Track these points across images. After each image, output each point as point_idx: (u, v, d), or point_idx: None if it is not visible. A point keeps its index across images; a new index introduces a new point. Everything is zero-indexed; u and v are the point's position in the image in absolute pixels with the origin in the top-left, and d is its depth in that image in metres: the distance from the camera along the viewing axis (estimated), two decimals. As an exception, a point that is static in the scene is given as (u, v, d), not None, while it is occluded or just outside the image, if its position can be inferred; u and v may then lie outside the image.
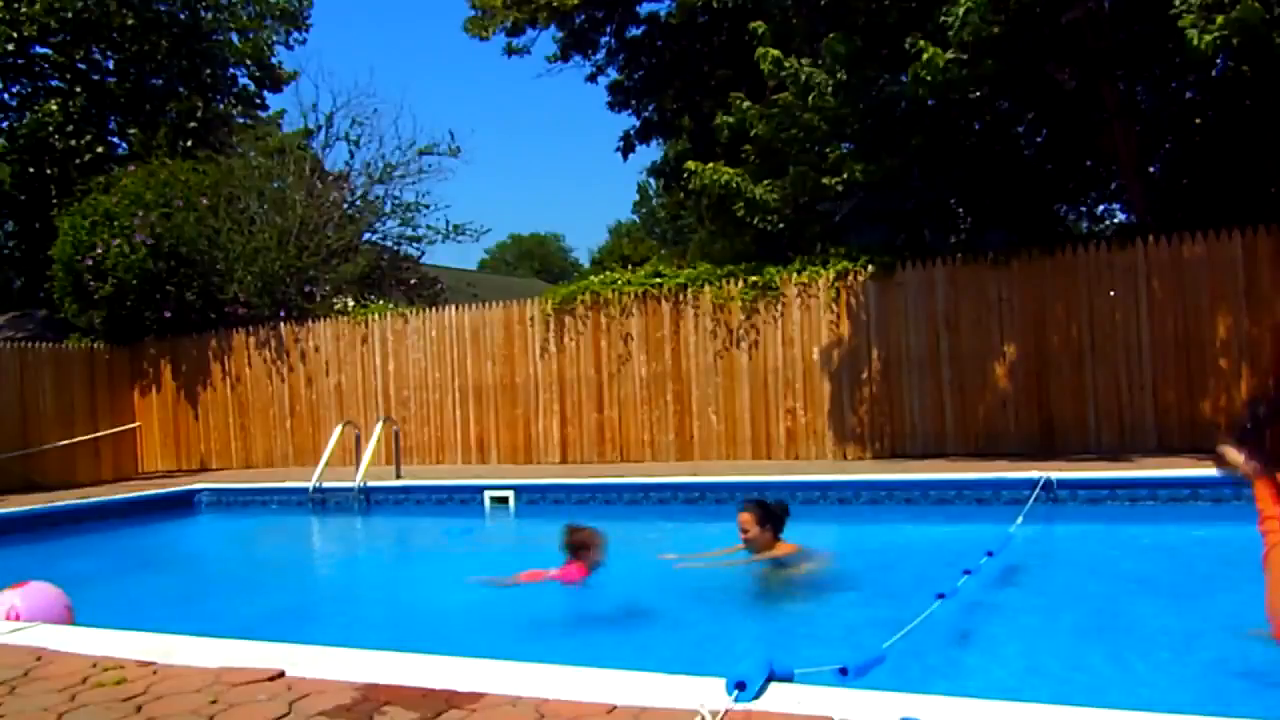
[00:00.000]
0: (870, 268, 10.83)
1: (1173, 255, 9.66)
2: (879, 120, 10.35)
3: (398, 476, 10.72)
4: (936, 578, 4.65)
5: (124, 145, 20.55)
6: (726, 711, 2.53)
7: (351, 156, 18.76)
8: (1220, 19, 7.94)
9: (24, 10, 19.01)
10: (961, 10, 8.89)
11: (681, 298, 11.75)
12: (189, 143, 19.58)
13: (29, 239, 19.79)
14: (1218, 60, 10.24)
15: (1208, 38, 7.98)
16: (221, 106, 21.73)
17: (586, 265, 53.04)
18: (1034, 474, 7.55)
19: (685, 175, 12.63)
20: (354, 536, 9.77)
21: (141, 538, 9.62)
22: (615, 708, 2.65)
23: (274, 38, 22.85)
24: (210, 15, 21.71)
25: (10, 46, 19.21)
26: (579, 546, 5.59)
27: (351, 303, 16.12)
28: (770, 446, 11.27)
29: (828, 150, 10.92)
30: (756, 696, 2.61)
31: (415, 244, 18.47)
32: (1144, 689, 3.67)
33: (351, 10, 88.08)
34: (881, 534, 7.84)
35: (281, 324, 14.36)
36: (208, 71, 21.41)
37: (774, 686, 2.69)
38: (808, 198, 11.71)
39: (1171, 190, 12.07)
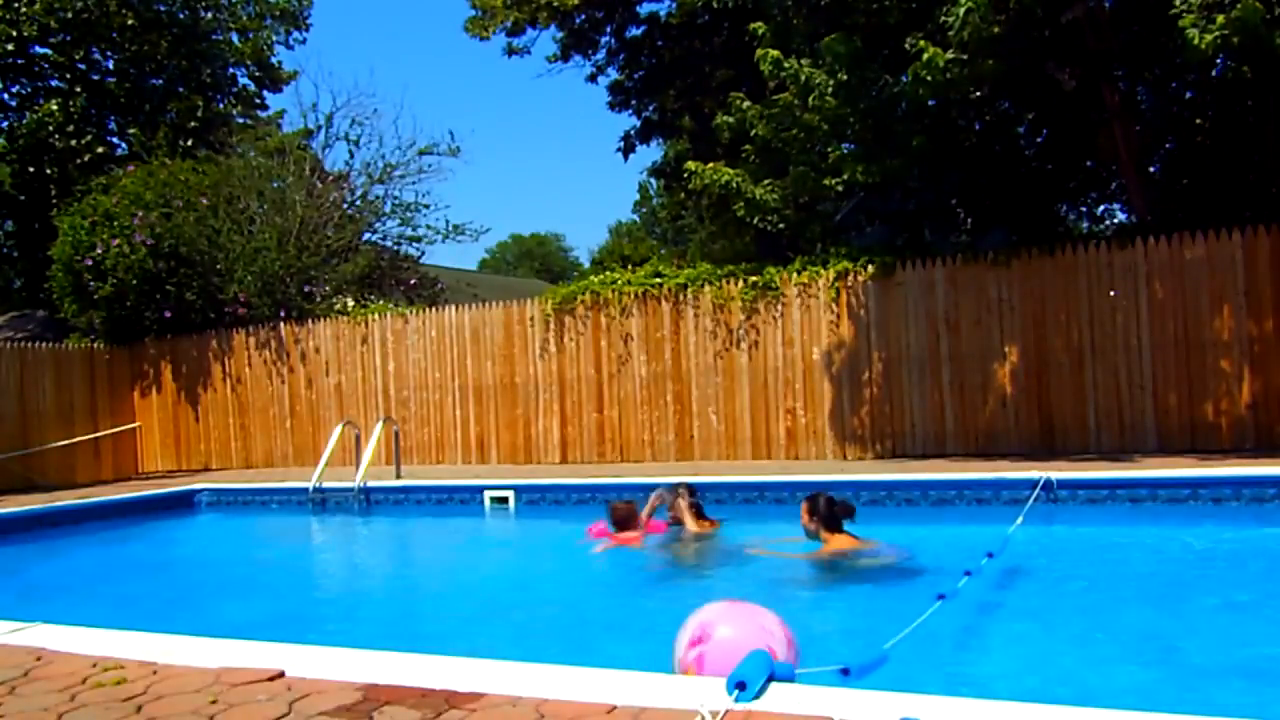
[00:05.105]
0: (870, 268, 10.83)
1: (1173, 255, 9.65)
2: (879, 121, 10.35)
3: (398, 476, 10.72)
4: (937, 578, 4.65)
5: (124, 145, 20.56)
6: (726, 711, 2.53)
7: (351, 156, 18.85)
8: (1220, 19, 7.94)
9: (24, 10, 19.02)
10: (961, 10, 8.89)
11: (681, 298, 11.75)
12: (189, 143, 19.60)
13: (29, 239, 19.79)
14: (1218, 60, 10.24)
15: (1208, 38, 7.99)
16: (221, 106, 21.75)
17: (586, 265, 53.10)
18: (1034, 474, 7.54)
19: (685, 175, 12.63)
20: (354, 536, 9.77)
21: (142, 538, 9.62)
22: (615, 708, 2.65)
23: (274, 38, 22.88)
24: (210, 15, 21.73)
25: (10, 46, 19.22)
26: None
27: (351, 303, 16.12)
28: (770, 446, 11.27)
29: (828, 150, 10.92)
30: (757, 696, 2.61)
31: (415, 244, 18.51)
32: (1143, 688, 3.67)
33: (351, 10, 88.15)
34: (881, 534, 7.82)
35: (281, 324, 14.36)
36: (208, 71, 21.42)
37: (774, 686, 2.68)
38: (808, 198, 11.70)
39: (1171, 190, 12.06)
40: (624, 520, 7.04)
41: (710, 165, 11.98)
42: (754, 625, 3.13)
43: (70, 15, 19.20)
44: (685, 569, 6.55)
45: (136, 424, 14.93)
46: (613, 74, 20.84)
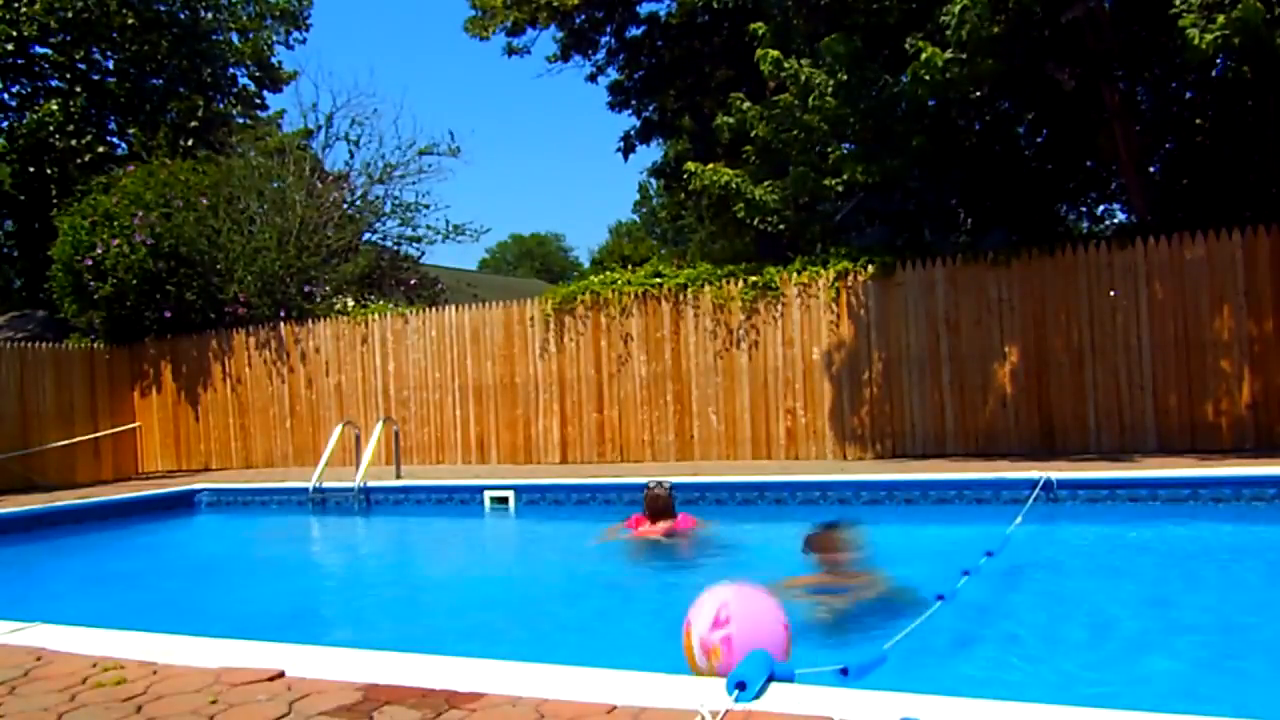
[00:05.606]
0: (870, 268, 10.83)
1: (1173, 255, 9.65)
2: (879, 121, 10.35)
3: (398, 476, 10.72)
4: (936, 578, 4.65)
5: (124, 145, 20.56)
6: (726, 712, 2.53)
7: (351, 156, 18.83)
8: (1220, 19, 7.94)
9: (24, 10, 19.02)
10: (958, 9, 8.89)
11: (681, 298, 11.75)
12: (189, 143, 19.61)
13: (29, 239, 19.79)
14: (1218, 60, 10.23)
15: (1208, 37, 7.98)
16: (221, 106, 21.75)
17: (586, 265, 53.12)
18: (1034, 474, 7.55)
19: (685, 176, 12.64)
20: (354, 537, 9.77)
21: (141, 538, 9.62)
22: (615, 708, 2.65)
23: (274, 38, 22.88)
24: (210, 15, 21.73)
25: (10, 46, 19.23)
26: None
27: (351, 303, 16.12)
28: (770, 446, 11.27)
29: (828, 150, 10.92)
30: (757, 697, 2.61)
31: (415, 244, 18.50)
32: (1143, 688, 3.67)
33: (351, 10, 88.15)
34: (881, 534, 7.82)
35: (281, 324, 14.36)
36: (208, 71, 21.42)
37: (774, 686, 2.68)
38: (808, 198, 11.70)
39: (1171, 190, 12.06)
40: (657, 508, 6.95)
41: (710, 166, 11.99)
42: (768, 606, 3.19)
43: (70, 15, 19.20)
44: (683, 567, 6.55)
45: (136, 424, 14.93)
46: (613, 74, 20.86)
